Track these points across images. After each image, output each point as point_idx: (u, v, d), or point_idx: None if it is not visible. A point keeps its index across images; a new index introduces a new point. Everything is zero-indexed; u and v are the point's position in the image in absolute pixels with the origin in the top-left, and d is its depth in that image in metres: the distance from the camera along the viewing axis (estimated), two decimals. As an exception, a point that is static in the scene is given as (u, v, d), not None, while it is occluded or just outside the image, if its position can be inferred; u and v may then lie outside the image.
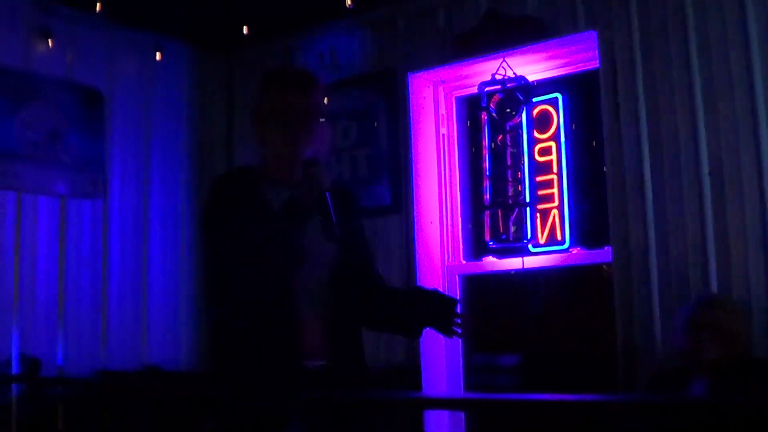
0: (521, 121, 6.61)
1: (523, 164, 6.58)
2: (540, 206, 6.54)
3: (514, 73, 6.59)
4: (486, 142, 6.73)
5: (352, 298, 3.96)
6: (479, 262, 6.87)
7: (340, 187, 4.08)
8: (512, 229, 6.60)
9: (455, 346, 6.84)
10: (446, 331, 4.08)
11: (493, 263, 6.76)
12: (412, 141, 6.89)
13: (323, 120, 4.01)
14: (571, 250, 6.42)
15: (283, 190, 3.86)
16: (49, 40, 6.97)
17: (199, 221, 4.12)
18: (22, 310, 6.68)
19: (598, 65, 6.17)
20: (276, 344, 3.75)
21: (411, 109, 6.92)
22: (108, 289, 7.17)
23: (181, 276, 7.65)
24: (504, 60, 6.56)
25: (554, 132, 6.56)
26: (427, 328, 4.19)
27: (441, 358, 6.82)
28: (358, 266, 4.04)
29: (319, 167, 3.84)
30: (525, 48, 6.45)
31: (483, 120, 6.75)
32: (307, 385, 3.77)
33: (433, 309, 4.08)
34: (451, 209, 7.01)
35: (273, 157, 3.98)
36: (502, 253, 6.70)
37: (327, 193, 3.80)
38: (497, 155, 6.70)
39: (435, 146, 7.04)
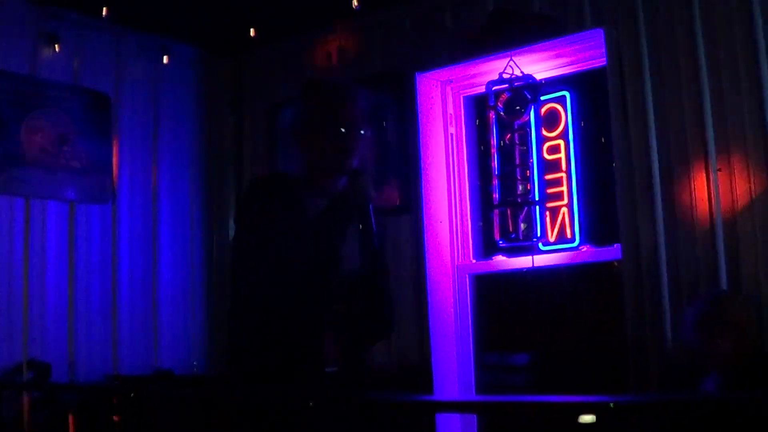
0: (529, 119, 6.61)
1: (532, 162, 6.57)
2: (549, 204, 6.53)
3: (522, 72, 6.58)
4: (494, 141, 6.73)
5: (368, 305, 3.93)
6: (489, 261, 6.86)
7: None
8: (522, 227, 6.60)
9: (466, 345, 6.84)
10: None
11: (503, 262, 6.75)
12: (421, 141, 6.88)
13: (366, 131, 4.05)
14: (580, 247, 6.41)
15: (322, 200, 3.86)
16: (56, 45, 6.98)
17: (236, 220, 4.13)
18: (33, 316, 6.69)
19: (605, 63, 6.15)
20: (301, 351, 3.74)
21: (419, 109, 6.92)
22: (118, 294, 7.18)
23: (191, 279, 7.66)
24: (511, 59, 6.55)
25: (562, 130, 6.55)
26: None
27: (452, 358, 6.81)
28: (382, 274, 4.01)
29: (366, 177, 3.89)
30: (532, 46, 6.44)
31: (491, 119, 6.75)
32: (322, 390, 3.76)
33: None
34: (461, 208, 7.00)
35: (318, 167, 3.98)
36: (511, 252, 6.69)
37: (371, 205, 3.83)
38: (506, 154, 6.70)
39: (444, 146, 7.03)
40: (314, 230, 3.76)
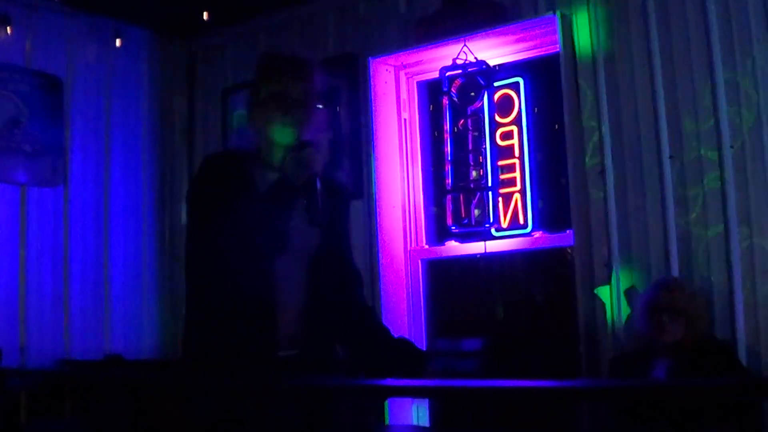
0: (483, 105, 6.61)
1: (485, 148, 6.58)
2: (502, 190, 6.54)
3: (475, 58, 6.58)
4: (448, 126, 6.72)
5: (328, 289, 3.90)
6: (442, 247, 6.87)
7: (334, 182, 4.04)
8: (474, 213, 6.61)
9: (418, 330, 6.85)
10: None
11: (456, 247, 6.76)
12: (374, 126, 6.88)
13: (320, 106, 3.97)
14: (533, 233, 6.43)
15: (273, 174, 3.80)
16: (8, 27, 6.92)
17: (188, 199, 4.07)
18: (-18, 301, 6.65)
19: (558, 49, 6.17)
20: (253, 331, 3.70)
21: (373, 94, 6.91)
22: (69, 278, 7.13)
23: (143, 263, 7.62)
24: (465, 44, 6.55)
25: (516, 116, 6.56)
26: None
27: (404, 343, 6.81)
28: (336, 258, 3.98)
29: (311, 150, 3.78)
30: (486, 32, 6.44)
31: (444, 104, 6.75)
32: (279, 374, 3.73)
33: (400, 363, 3.88)
34: (414, 194, 7.00)
35: (267, 140, 3.91)
36: (464, 238, 6.71)
37: (317, 178, 3.75)
38: (459, 139, 6.70)
39: (397, 131, 7.02)
40: (258, 208, 3.70)
